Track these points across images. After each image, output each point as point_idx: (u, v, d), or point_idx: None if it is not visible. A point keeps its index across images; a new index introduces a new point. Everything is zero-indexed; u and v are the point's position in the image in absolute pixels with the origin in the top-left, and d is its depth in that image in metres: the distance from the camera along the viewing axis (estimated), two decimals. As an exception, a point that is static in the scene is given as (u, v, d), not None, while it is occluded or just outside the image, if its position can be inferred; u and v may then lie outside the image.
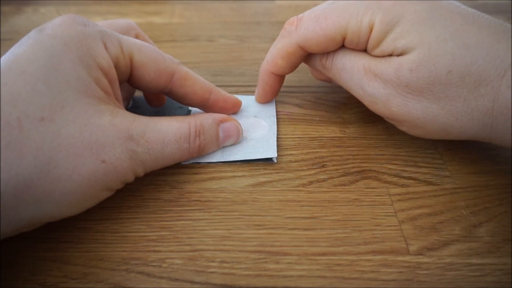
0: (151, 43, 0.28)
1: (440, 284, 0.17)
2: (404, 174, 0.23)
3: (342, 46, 0.23)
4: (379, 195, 0.21)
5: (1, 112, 0.16)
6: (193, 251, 0.19)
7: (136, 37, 0.27)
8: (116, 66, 0.20)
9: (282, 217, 0.20)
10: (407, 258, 0.18)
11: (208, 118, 0.22)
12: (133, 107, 0.29)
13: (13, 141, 0.16)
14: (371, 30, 0.21)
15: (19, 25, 0.43)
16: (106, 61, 0.19)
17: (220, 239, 0.19)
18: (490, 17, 0.20)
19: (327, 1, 0.24)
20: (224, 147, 0.24)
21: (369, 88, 0.22)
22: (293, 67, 0.25)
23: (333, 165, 0.23)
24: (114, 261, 0.18)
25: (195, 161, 0.23)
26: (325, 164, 0.23)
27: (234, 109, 0.26)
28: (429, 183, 0.22)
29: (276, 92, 0.27)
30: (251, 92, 0.29)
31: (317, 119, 0.27)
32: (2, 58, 0.18)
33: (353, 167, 0.23)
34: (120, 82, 0.22)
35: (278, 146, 0.25)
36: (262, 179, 0.23)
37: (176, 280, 0.18)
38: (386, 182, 0.22)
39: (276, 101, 0.29)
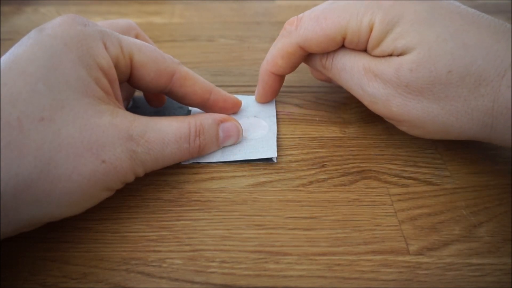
0: (151, 43, 0.28)
1: (440, 284, 0.17)
2: (404, 174, 0.23)
3: (342, 46, 0.23)
4: (379, 195, 0.21)
5: (1, 112, 0.16)
6: (193, 251, 0.19)
7: (136, 37, 0.27)
8: (116, 66, 0.20)
9: (282, 217, 0.20)
10: (407, 258, 0.18)
11: (208, 118, 0.22)
12: (133, 107, 0.29)
13: (13, 141, 0.16)
14: (371, 30, 0.21)
15: (19, 25, 0.43)
16: (106, 61, 0.19)
17: (220, 239, 0.19)
18: (490, 17, 0.20)
19: (327, 1, 0.24)
20: (224, 147, 0.24)
21: (369, 88, 0.22)
22: (293, 67, 0.25)
23: (333, 165, 0.23)
24: (114, 261, 0.18)
25: (195, 161, 0.23)
26: (325, 164, 0.23)
27: (234, 109, 0.26)
28: (429, 183, 0.22)
29: (276, 92, 0.27)
30: (251, 92, 0.29)
31: (317, 119, 0.27)
32: (2, 58, 0.18)
33: (353, 167, 0.23)
34: (120, 82, 0.22)
35: (278, 146, 0.25)
36: (262, 179, 0.23)
37: (176, 280, 0.18)
38: (386, 182, 0.22)
39: (276, 101, 0.29)
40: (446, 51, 0.19)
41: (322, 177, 0.23)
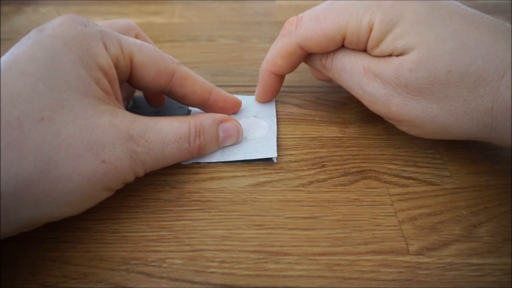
0: (151, 43, 0.28)
1: (440, 284, 0.17)
2: (404, 174, 0.23)
3: (342, 46, 0.23)
4: (379, 195, 0.22)
5: (1, 112, 0.16)
6: (193, 251, 0.19)
7: (136, 37, 0.27)
8: (116, 66, 0.20)
9: (282, 217, 0.20)
10: (407, 258, 0.18)
11: (208, 118, 0.22)
12: (133, 107, 0.29)
13: (13, 141, 0.16)
14: (370, 30, 0.21)
15: (19, 25, 0.43)
16: (106, 61, 0.19)
17: (220, 239, 0.19)
18: (490, 17, 0.20)
19: (327, 1, 0.24)
20: (224, 147, 0.24)
21: (368, 88, 0.22)
22: (293, 67, 0.25)
23: (333, 165, 0.23)
24: (114, 261, 0.18)
25: (195, 161, 0.23)
26: (325, 164, 0.23)
27: (234, 109, 0.26)
28: (429, 183, 0.22)
29: (276, 92, 0.28)
30: (251, 92, 0.29)
31: (317, 119, 0.27)
32: (2, 58, 0.18)
33: (353, 167, 0.23)
34: (120, 82, 0.22)
35: (278, 146, 0.25)
36: (262, 179, 0.23)
37: (176, 280, 0.18)
38: (386, 182, 0.22)
39: (276, 101, 0.29)
40: (446, 51, 0.19)
41: (322, 177, 0.23)
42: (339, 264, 0.18)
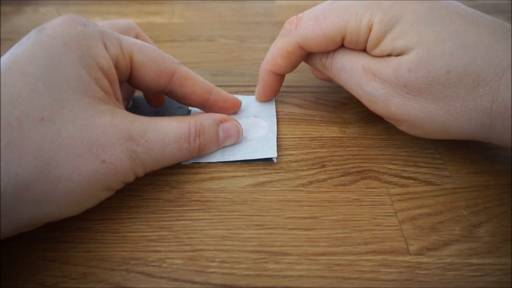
0: (151, 43, 0.28)
1: (440, 284, 0.17)
2: (404, 174, 0.23)
3: (342, 45, 0.23)
4: (379, 195, 0.22)
5: (1, 112, 0.16)
6: (193, 251, 0.19)
7: (136, 37, 0.27)
8: (116, 66, 0.20)
9: (282, 217, 0.20)
10: (407, 258, 0.18)
11: (208, 118, 0.22)
12: (133, 107, 0.29)
13: (13, 141, 0.16)
14: (370, 30, 0.21)
15: (19, 25, 0.43)
16: (106, 61, 0.19)
17: (220, 239, 0.19)
18: (490, 17, 0.20)
19: (326, 0, 0.24)
20: (224, 147, 0.24)
21: (368, 88, 0.22)
22: (293, 67, 0.26)
23: (333, 165, 0.23)
24: (114, 261, 0.18)
25: (195, 161, 0.23)
26: (325, 164, 0.23)
27: (234, 109, 0.26)
28: (429, 183, 0.22)
29: (276, 91, 0.28)
30: (251, 92, 0.29)
31: (317, 119, 0.27)
32: (2, 58, 0.18)
33: (353, 167, 0.23)
34: (120, 82, 0.22)
35: (278, 146, 0.25)
36: (262, 179, 0.23)
37: (176, 280, 0.18)
38: (386, 182, 0.22)
39: (276, 101, 0.29)
40: (445, 51, 0.19)
41: (322, 177, 0.23)
42: (339, 264, 0.18)
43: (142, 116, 0.20)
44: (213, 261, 0.18)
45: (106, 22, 0.26)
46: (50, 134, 0.17)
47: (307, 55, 0.25)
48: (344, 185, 0.22)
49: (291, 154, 0.24)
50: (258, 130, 0.25)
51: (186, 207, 0.21)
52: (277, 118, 0.27)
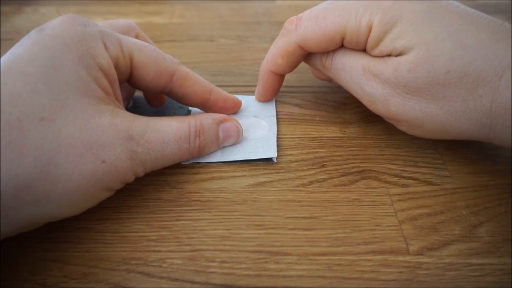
0: (151, 43, 0.28)
1: (440, 284, 0.17)
2: (404, 174, 0.23)
3: (341, 45, 0.23)
4: (379, 195, 0.22)
5: (1, 112, 0.16)
6: (193, 251, 0.19)
7: (136, 37, 0.27)
8: (116, 66, 0.20)
9: (282, 217, 0.20)
10: (407, 258, 0.18)
11: (208, 118, 0.22)
12: (133, 107, 0.29)
13: (13, 141, 0.16)
14: (370, 30, 0.21)
15: (19, 25, 0.43)
16: (106, 61, 0.19)
17: (220, 239, 0.19)
18: (489, 17, 0.20)
19: (326, 0, 0.24)
20: (224, 147, 0.24)
21: (368, 88, 0.22)
22: (293, 66, 0.26)
23: (333, 165, 0.23)
24: (114, 261, 0.18)
25: (195, 161, 0.23)
26: (325, 164, 0.23)
27: (234, 109, 0.26)
28: (429, 183, 0.22)
29: (276, 91, 0.28)
30: (251, 92, 0.29)
31: (317, 119, 0.27)
32: (2, 58, 0.18)
33: (353, 167, 0.23)
34: (120, 82, 0.22)
35: (278, 146, 0.25)
36: (262, 179, 0.23)
37: (176, 280, 0.18)
38: (386, 182, 0.22)
39: (276, 101, 0.29)
40: (445, 51, 0.19)
41: (322, 177, 0.23)
42: (339, 264, 0.18)
43: (142, 116, 0.20)
44: (213, 261, 0.18)
45: (106, 22, 0.26)
46: (50, 134, 0.17)
47: (307, 55, 0.25)
48: (344, 185, 0.22)
49: (291, 154, 0.24)
50: (258, 130, 0.25)
51: (186, 207, 0.21)
52: (277, 118, 0.27)
